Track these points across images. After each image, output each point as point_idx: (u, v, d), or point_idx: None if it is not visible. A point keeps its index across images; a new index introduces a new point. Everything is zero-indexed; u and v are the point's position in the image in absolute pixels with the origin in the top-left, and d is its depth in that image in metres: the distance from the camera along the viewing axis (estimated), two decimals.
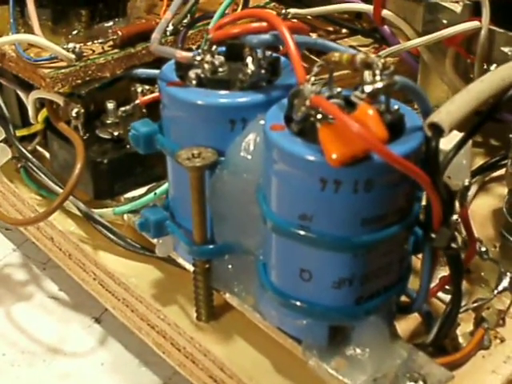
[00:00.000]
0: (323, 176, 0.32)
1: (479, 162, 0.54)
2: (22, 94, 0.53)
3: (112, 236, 0.48)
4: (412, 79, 0.56)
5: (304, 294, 0.36)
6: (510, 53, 0.46)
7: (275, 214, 0.35)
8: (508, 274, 0.43)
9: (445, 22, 0.49)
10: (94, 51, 0.49)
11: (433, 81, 0.53)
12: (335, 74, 0.56)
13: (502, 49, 0.46)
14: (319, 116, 0.32)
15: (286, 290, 0.36)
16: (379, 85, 0.32)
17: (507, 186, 0.45)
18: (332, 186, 0.32)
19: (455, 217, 0.39)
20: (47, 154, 0.54)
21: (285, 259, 0.36)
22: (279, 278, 0.37)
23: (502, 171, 0.51)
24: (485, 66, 0.49)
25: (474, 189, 0.52)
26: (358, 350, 0.36)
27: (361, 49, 0.59)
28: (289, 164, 0.33)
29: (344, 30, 0.61)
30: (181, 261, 0.44)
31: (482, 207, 0.51)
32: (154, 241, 0.44)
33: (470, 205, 0.51)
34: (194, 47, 0.51)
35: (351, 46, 0.59)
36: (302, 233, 0.34)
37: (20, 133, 0.54)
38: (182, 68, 0.39)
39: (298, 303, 0.36)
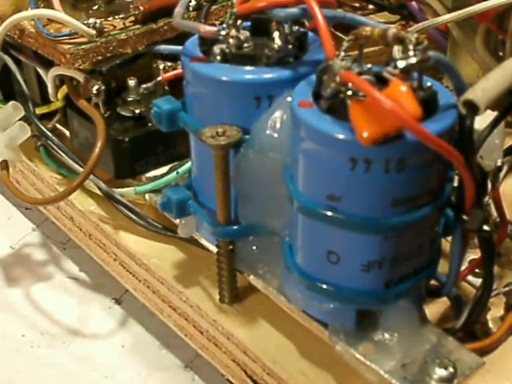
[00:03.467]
0: (353, 155, 0.31)
1: (509, 141, 0.52)
2: (41, 71, 0.52)
3: (133, 216, 0.47)
4: None
5: (331, 277, 0.35)
6: None
7: (302, 194, 0.34)
8: None
9: None
10: (115, 27, 0.48)
11: (462, 58, 0.52)
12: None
13: None
14: (349, 92, 0.31)
15: (312, 272, 0.35)
16: (413, 60, 0.31)
17: None
18: (362, 165, 0.31)
19: (486, 198, 0.38)
20: (67, 132, 0.53)
21: (311, 241, 0.35)
22: (305, 260, 0.36)
23: None
24: None
25: (504, 169, 0.50)
26: (387, 335, 0.35)
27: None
28: (317, 142, 0.32)
29: (370, 6, 0.60)
30: (204, 242, 0.43)
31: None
32: (177, 221, 0.43)
33: (501, 186, 0.50)
34: (217, 23, 0.50)
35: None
36: (329, 214, 0.33)
37: (40, 111, 0.53)
38: (206, 43, 0.38)
39: (325, 286, 0.35)
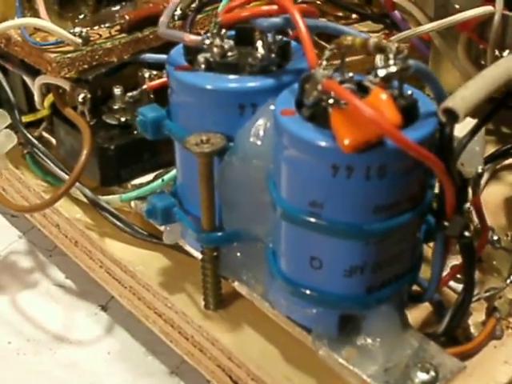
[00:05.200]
0: (335, 162, 0.32)
1: (490, 149, 0.53)
2: (27, 80, 0.52)
3: (119, 223, 0.47)
4: None
5: (314, 283, 0.35)
6: None
7: (285, 200, 0.34)
8: None
9: (457, 6, 0.48)
10: (100, 36, 0.48)
11: (444, 67, 0.52)
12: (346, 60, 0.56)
13: None
14: (331, 101, 0.32)
15: (295, 278, 0.36)
16: (393, 69, 0.31)
17: None
18: (344, 172, 0.32)
19: (467, 205, 0.38)
20: (53, 140, 0.53)
21: (295, 247, 0.35)
22: (289, 265, 0.36)
23: None
24: (497, 53, 0.48)
25: (485, 177, 0.51)
26: (369, 340, 0.36)
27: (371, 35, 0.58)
28: (299, 150, 0.32)
29: (354, 16, 0.61)
30: (189, 248, 0.43)
31: (493, 195, 0.50)
32: (162, 228, 0.43)
33: (482, 193, 0.50)
34: (202, 32, 0.50)
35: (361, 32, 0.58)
36: (312, 220, 0.33)
37: (26, 119, 0.53)
38: (191, 52, 0.39)
39: (308, 292, 0.35)
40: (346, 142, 0.30)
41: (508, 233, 0.46)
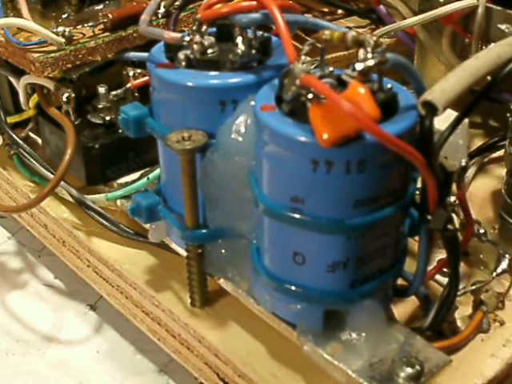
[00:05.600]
0: (314, 157, 0.31)
1: (478, 143, 0.53)
2: (13, 80, 0.52)
3: (105, 222, 0.47)
4: (409, 60, 0.55)
5: (298, 278, 0.35)
6: (507, 30, 0.45)
7: (267, 196, 0.34)
8: (507, 255, 0.42)
9: (441, 0, 0.48)
10: (84, 35, 0.48)
11: (430, 61, 0.52)
12: (332, 55, 0.56)
13: (499, 26, 0.45)
14: (310, 96, 0.31)
15: (279, 274, 0.36)
16: (370, 62, 0.31)
17: (506, 166, 0.44)
18: (324, 167, 0.32)
19: (453, 198, 0.38)
20: (40, 141, 0.53)
21: (277, 243, 0.35)
22: (272, 261, 0.36)
23: (501, 152, 0.50)
24: (482, 45, 0.48)
25: (472, 170, 0.51)
26: (354, 335, 0.36)
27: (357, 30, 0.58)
28: (279, 145, 0.32)
29: (340, 11, 0.61)
30: (174, 246, 0.43)
31: (480, 189, 0.50)
32: (147, 226, 0.43)
33: (469, 186, 0.50)
34: (186, 30, 0.50)
35: (347, 28, 0.58)
36: (293, 215, 0.33)
37: (12, 119, 0.54)
38: (172, 50, 0.39)
39: (292, 287, 0.35)
40: (325, 136, 0.30)
41: (495, 226, 0.46)
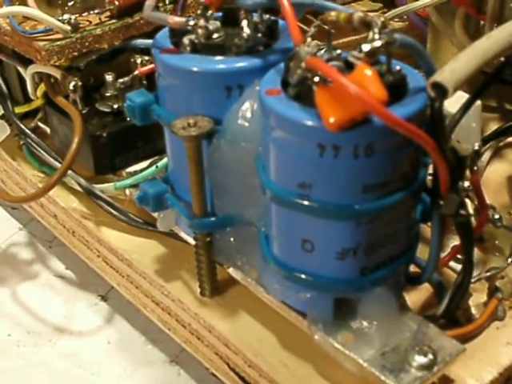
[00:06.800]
0: (321, 141, 0.31)
1: (493, 127, 0.52)
2: (21, 69, 0.51)
3: (114, 211, 0.46)
4: (422, 44, 0.54)
5: (307, 266, 0.35)
6: None
7: (274, 183, 0.34)
8: None
9: None
10: (90, 22, 0.48)
11: (443, 44, 0.51)
12: (343, 40, 0.55)
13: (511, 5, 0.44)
14: (316, 79, 0.31)
15: (288, 262, 0.35)
16: (378, 43, 0.30)
17: None
18: (331, 151, 0.31)
19: (467, 183, 0.37)
20: (49, 130, 0.53)
21: (286, 230, 0.34)
22: (281, 249, 0.35)
23: None
24: (496, 27, 0.47)
25: (488, 155, 0.50)
26: (365, 323, 0.35)
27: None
28: (285, 129, 0.32)
29: None
30: (183, 235, 0.43)
31: (496, 173, 0.49)
32: (156, 215, 0.43)
33: (485, 171, 0.49)
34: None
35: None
36: (301, 202, 0.33)
37: (21, 109, 0.53)
38: (177, 35, 0.38)
39: (301, 275, 0.35)
40: (331, 120, 0.30)
41: (510, 211, 0.45)
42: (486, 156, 0.50)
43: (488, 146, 0.50)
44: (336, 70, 0.30)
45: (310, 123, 0.31)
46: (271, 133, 0.32)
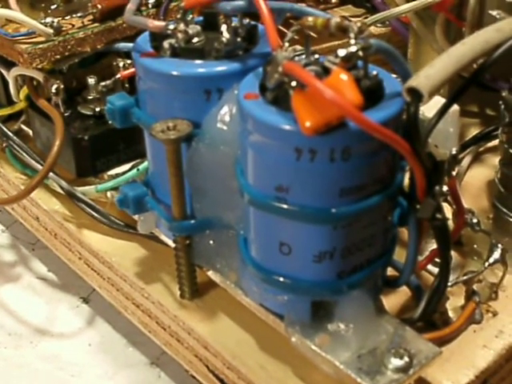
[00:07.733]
0: (298, 145, 0.31)
1: (474, 132, 0.52)
2: (4, 72, 0.51)
3: (95, 214, 0.47)
4: (404, 50, 0.54)
5: (284, 269, 0.35)
6: (498, 16, 0.44)
7: (252, 186, 0.34)
8: (499, 245, 0.42)
9: None
10: (73, 25, 0.48)
11: (424, 49, 0.52)
12: (326, 45, 0.55)
13: (490, 12, 0.45)
14: (293, 83, 0.31)
15: (266, 264, 0.35)
16: (353, 48, 0.31)
17: (500, 155, 0.44)
18: (307, 155, 0.31)
19: (446, 188, 0.38)
20: (31, 133, 0.53)
21: (263, 233, 0.35)
22: (259, 252, 0.36)
23: (496, 141, 0.49)
24: None
25: (468, 159, 0.51)
26: (342, 326, 0.35)
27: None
28: (262, 134, 0.32)
29: (334, 0, 0.60)
30: (163, 238, 0.43)
31: (476, 178, 0.50)
32: (137, 217, 0.43)
33: (465, 176, 0.50)
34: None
35: (342, 17, 0.57)
36: (278, 205, 0.33)
37: (4, 112, 0.53)
38: (157, 39, 0.38)
39: (279, 278, 0.35)
40: (307, 124, 0.30)
41: (489, 215, 0.46)
42: (466, 161, 0.50)
43: (468, 150, 0.51)
44: (312, 74, 0.30)
45: (286, 127, 0.31)
46: (249, 137, 0.33)
